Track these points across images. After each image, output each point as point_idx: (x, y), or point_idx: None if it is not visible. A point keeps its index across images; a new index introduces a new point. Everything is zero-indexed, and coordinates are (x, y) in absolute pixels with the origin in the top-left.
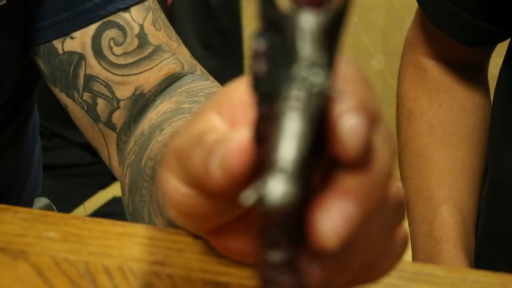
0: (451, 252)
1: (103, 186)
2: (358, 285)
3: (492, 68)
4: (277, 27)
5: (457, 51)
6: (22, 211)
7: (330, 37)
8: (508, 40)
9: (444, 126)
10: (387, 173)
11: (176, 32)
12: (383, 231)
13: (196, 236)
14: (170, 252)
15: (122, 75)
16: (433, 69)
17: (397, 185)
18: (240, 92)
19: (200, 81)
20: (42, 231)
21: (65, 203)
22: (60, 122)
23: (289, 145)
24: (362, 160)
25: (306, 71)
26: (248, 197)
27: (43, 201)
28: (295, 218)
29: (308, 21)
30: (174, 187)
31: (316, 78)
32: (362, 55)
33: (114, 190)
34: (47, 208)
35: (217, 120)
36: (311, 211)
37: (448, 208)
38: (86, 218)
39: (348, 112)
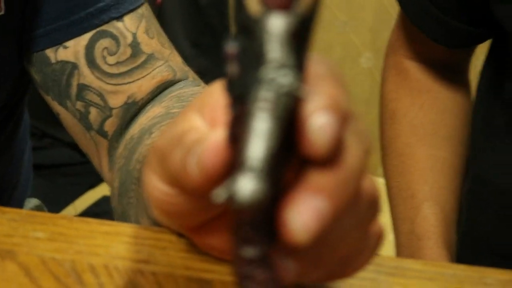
0: (432, 248)
1: (93, 185)
2: (333, 280)
3: (478, 66)
4: (248, 31)
5: (438, 52)
6: (10, 211)
7: (299, 39)
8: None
9: (426, 126)
10: (359, 170)
11: (165, 31)
12: (356, 227)
13: (179, 234)
14: (154, 250)
15: (115, 84)
16: (414, 70)
17: (371, 182)
18: (220, 92)
19: (191, 87)
20: (30, 231)
21: (55, 202)
22: (50, 122)
23: (257, 144)
24: (332, 158)
25: (275, 72)
26: (219, 194)
27: (33, 202)
28: (266, 215)
29: (276, 24)
30: (156, 186)
31: (285, 79)
32: (351, 53)
33: (103, 190)
34: (38, 208)
35: (198, 120)
36: (282, 207)
37: (429, 205)
38: (74, 218)
39: (317, 111)
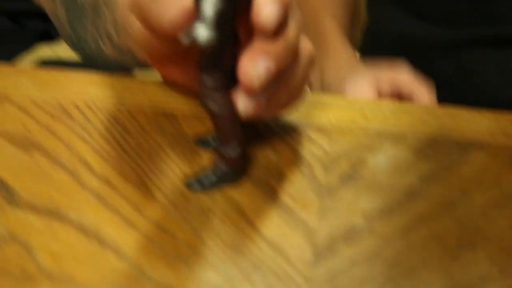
0: (335, 39)
1: (27, 49)
2: (282, 111)
3: None
4: None
5: None
6: None
7: None
8: None
9: None
10: (295, 41)
11: None
12: (298, 75)
13: (143, 66)
14: (126, 94)
15: None
16: None
17: (308, 45)
18: None
19: None
20: (19, 81)
21: None
22: None
23: (207, 4)
24: (277, 32)
25: None
26: (184, 36)
27: None
28: (219, 54)
29: None
30: (138, 29)
31: None
32: None
33: (38, 53)
34: None
35: None
36: (243, 63)
37: (327, 15)
38: (51, 70)
39: (266, 2)
